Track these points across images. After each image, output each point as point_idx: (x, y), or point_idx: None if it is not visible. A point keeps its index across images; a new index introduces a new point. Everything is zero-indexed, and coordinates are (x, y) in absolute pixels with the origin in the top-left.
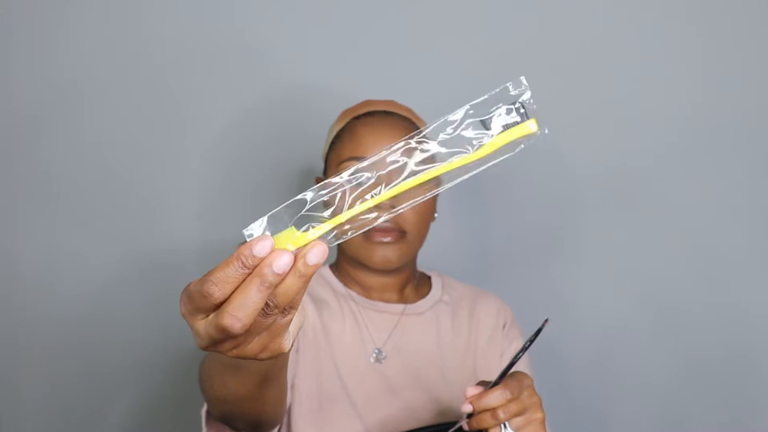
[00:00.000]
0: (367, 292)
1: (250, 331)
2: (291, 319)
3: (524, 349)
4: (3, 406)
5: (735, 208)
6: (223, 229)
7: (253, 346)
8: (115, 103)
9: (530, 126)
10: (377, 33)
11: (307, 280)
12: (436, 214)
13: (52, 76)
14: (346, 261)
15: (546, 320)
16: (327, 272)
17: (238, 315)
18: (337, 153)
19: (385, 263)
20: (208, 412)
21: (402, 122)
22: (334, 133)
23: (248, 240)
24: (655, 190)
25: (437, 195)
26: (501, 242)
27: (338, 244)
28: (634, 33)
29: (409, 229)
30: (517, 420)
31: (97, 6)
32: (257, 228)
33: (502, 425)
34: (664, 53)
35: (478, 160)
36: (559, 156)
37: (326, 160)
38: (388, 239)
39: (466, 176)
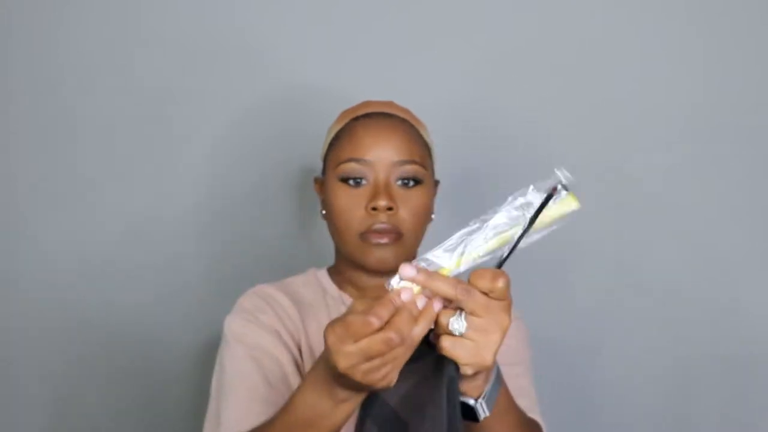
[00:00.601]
0: (361, 293)
1: (389, 357)
2: (408, 355)
3: (531, 221)
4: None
5: (735, 208)
6: (222, 229)
7: (380, 373)
8: (114, 103)
9: (573, 204)
10: (377, 33)
11: (431, 322)
12: (433, 215)
13: (52, 76)
14: (343, 263)
15: (556, 186)
16: (324, 276)
17: (398, 333)
18: (336, 154)
19: (381, 264)
20: None
21: (401, 124)
22: (332, 134)
23: (395, 286)
24: (655, 190)
25: (435, 195)
26: None
27: (336, 246)
28: (634, 33)
29: (406, 231)
30: (475, 321)
31: (97, 6)
32: (397, 280)
33: (458, 312)
34: (664, 53)
35: (538, 229)
36: (559, 156)
37: (325, 161)
38: (385, 241)
39: (529, 241)
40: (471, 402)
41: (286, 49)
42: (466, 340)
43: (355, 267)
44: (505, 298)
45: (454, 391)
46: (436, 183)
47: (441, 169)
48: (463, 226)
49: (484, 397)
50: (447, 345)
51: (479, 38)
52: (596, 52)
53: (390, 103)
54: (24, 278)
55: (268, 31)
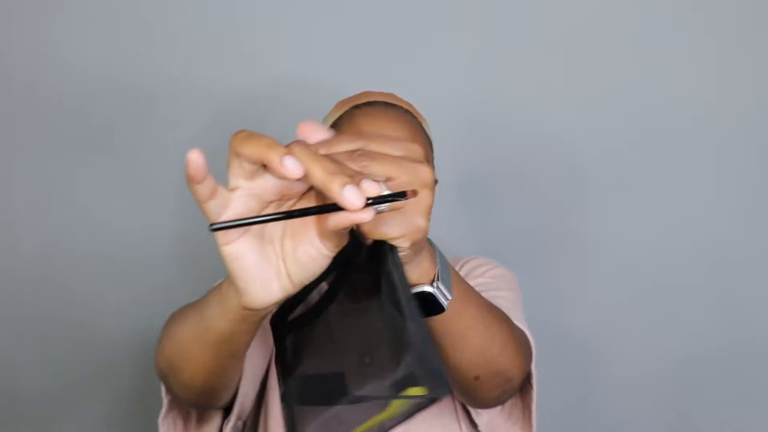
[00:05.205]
0: None
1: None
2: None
3: None
4: None
5: (741, 205)
6: None
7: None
8: (113, 101)
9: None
10: (377, 33)
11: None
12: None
13: (50, 71)
14: None
15: None
16: None
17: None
18: None
19: None
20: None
21: (404, 115)
22: (329, 123)
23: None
24: (659, 189)
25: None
26: (505, 239)
27: None
28: (635, 32)
29: None
30: (393, 185)
31: (96, 4)
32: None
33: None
34: (665, 53)
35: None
36: (559, 156)
37: None
38: None
39: None
40: (428, 289)
41: (286, 49)
42: (391, 213)
43: None
44: (417, 151)
45: (399, 283)
46: (435, 182)
47: (443, 168)
48: (466, 221)
49: (439, 279)
50: (369, 227)
51: (479, 38)
52: (597, 52)
53: (391, 95)
54: (18, 274)
55: (268, 30)
